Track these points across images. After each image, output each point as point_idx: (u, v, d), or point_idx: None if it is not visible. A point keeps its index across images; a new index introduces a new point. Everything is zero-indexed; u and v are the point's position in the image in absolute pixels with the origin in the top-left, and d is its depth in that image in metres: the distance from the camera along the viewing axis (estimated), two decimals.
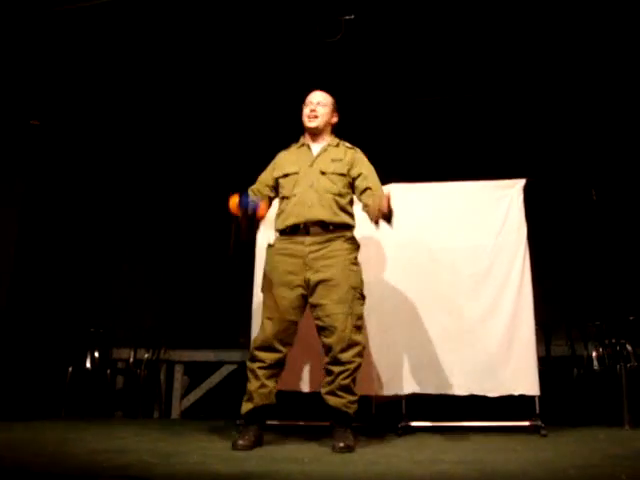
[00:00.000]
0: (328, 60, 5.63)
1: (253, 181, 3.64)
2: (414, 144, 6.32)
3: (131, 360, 5.75)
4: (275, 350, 3.28)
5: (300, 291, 3.30)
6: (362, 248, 3.63)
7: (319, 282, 3.25)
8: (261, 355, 3.29)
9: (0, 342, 4.92)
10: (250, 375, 3.32)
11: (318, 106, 3.46)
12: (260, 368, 3.28)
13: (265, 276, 3.44)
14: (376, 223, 3.21)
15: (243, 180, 3.76)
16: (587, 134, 6.11)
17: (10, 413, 4.72)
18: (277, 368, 3.31)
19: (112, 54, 5.65)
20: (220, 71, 6.06)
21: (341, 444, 3.10)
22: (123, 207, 6.66)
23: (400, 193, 4.37)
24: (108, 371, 5.66)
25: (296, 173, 3.41)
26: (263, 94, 5.94)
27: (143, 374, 5.63)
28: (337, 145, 3.50)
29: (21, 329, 5.27)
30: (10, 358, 5.02)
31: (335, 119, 3.56)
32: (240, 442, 3.16)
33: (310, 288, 3.28)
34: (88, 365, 5.67)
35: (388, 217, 3.12)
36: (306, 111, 3.49)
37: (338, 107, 3.60)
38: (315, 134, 3.51)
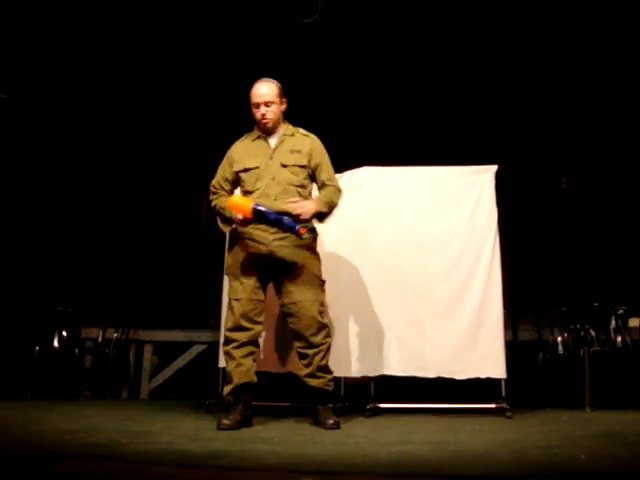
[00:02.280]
0: (304, 41, 5.60)
1: (214, 160, 3.63)
2: (388, 128, 6.32)
3: (100, 339, 5.69)
4: (246, 329, 3.33)
5: (263, 276, 3.39)
6: (333, 231, 3.66)
7: (284, 270, 3.34)
8: (234, 335, 3.34)
9: None
10: (226, 358, 3.38)
11: (267, 108, 3.40)
12: (235, 348, 3.33)
13: (230, 259, 3.49)
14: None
15: (210, 158, 3.73)
16: (558, 121, 6.18)
17: None
18: (251, 345, 3.36)
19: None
20: (195, 49, 5.99)
21: (331, 421, 3.25)
22: (93, 184, 6.55)
23: (373, 176, 4.41)
24: (76, 350, 5.60)
25: (257, 167, 3.41)
26: (235, 75, 5.89)
27: (112, 353, 5.58)
28: (292, 134, 3.49)
29: None
30: None
31: (284, 106, 3.50)
32: (225, 421, 3.17)
33: (275, 275, 3.38)
34: (56, 344, 5.60)
35: (319, 217, 3.38)
36: (257, 115, 3.43)
37: (285, 91, 3.50)
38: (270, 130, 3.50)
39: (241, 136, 3.60)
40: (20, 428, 3.11)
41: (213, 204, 3.52)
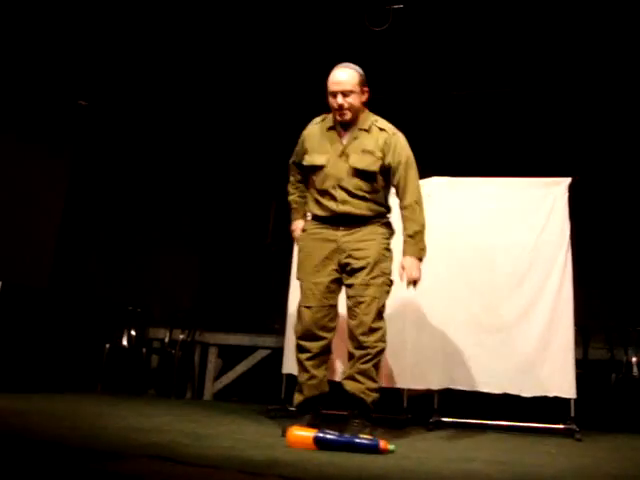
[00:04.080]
0: (374, 49, 5.58)
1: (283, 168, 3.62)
2: (460, 138, 6.23)
3: (166, 340, 5.84)
4: (319, 338, 3.19)
5: (335, 275, 3.22)
6: (401, 243, 3.61)
7: (352, 265, 3.17)
8: (306, 345, 3.20)
9: (42, 318, 5.04)
10: (299, 367, 3.26)
11: (345, 98, 3.11)
12: (307, 359, 3.19)
13: (300, 263, 3.36)
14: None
15: (278, 166, 3.73)
16: (637, 131, 5.94)
17: (49, 385, 4.86)
18: (324, 355, 3.23)
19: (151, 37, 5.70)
20: (269, 57, 6.07)
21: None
22: (165, 188, 6.73)
23: (442, 186, 4.35)
24: (144, 350, 5.76)
25: (324, 166, 3.20)
26: (308, 82, 5.93)
27: (178, 354, 5.71)
28: (369, 129, 3.20)
29: (62, 306, 5.39)
30: (51, 333, 5.15)
31: (365, 96, 3.20)
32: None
33: (344, 271, 3.22)
34: (125, 343, 5.78)
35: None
36: (333, 104, 3.15)
37: (368, 80, 3.22)
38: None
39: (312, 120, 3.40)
40: (87, 423, 3.21)
41: (287, 194, 3.52)
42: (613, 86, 5.87)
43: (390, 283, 3.22)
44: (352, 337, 3.15)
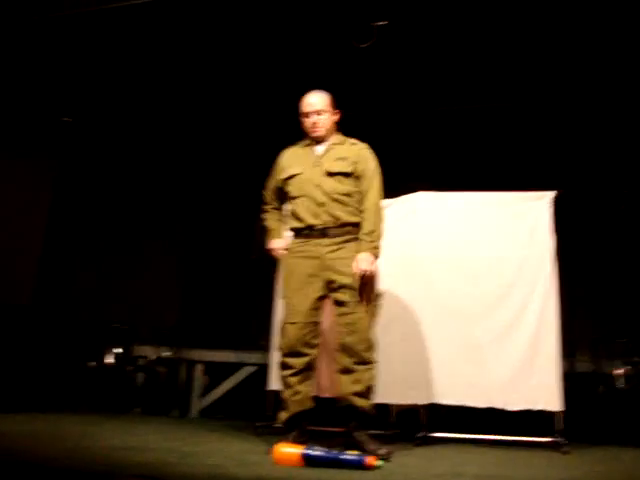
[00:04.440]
0: (360, 66, 5.62)
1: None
2: (442, 153, 6.27)
3: (152, 357, 5.78)
4: (302, 354, 3.23)
5: (320, 293, 3.26)
6: (385, 255, 3.61)
7: (339, 282, 3.22)
8: (290, 361, 3.24)
9: (24, 336, 4.98)
10: (282, 384, 3.30)
11: (318, 116, 3.36)
12: (291, 375, 3.24)
13: (284, 281, 3.39)
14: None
15: (262, 179, 3.72)
16: (619, 145, 6.01)
17: (32, 405, 4.78)
18: (307, 371, 3.26)
19: (135, 52, 5.69)
20: (250, 71, 6.08)
21: (383, 450, 3.07)
22: (149, 205, 6.70)
23: (426, 201, 4.37)
24: (129, 368, 5.70)
25: (300, 174, 3.35)
26: (290, 97, 5.96)
27: (163, 372, 5.66)
28: (342, 143, 3.41)
29: (45, 324, 5.33)
30: (33, 351, 5.08)
31: (336, 116, 3.43)
32: None
33: (331, 289, 3.25)
34: (110, 361, 5.72)
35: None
36: (307, 124, 3.38)
37: (337, 104, 3.44)
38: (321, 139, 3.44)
39: (292, 144, 3.55)
40: (73, 443, 3.16)
41: (263, 221, 3.53)
42: (597, 98, 5.95)
43: (377, 297, 3.31)
44: (352, 354, 3.18)
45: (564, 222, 4.29)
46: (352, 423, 3.23)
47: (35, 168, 5.63)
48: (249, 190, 6.28)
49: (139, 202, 6.63)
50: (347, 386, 3.18)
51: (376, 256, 3.24)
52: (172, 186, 6.83)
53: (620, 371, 4.76)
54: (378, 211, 3.31)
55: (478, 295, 4.13)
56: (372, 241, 3.25)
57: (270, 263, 4.35)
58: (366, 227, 3.27)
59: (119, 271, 6.39)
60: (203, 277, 6.70)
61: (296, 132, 3.54)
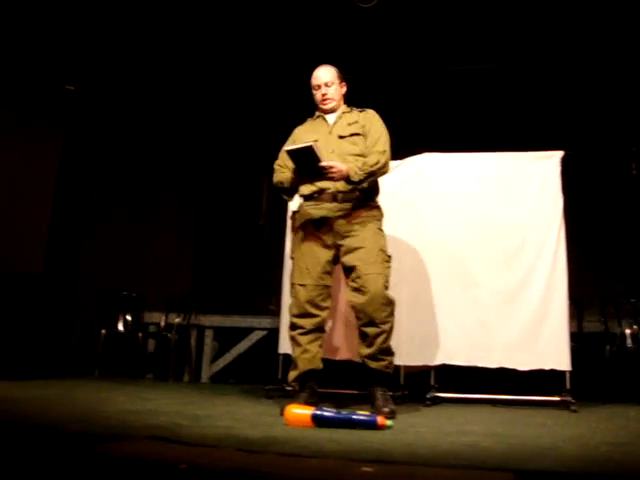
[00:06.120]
0: (364, 26, 5.53)
1: (275, 148, 3.60)
2: (449, 114, 6.20)
3: (162, 324, 5.84)
4: (312, 315, 3.27)
5: (330, 256, 3.30)
6: (394, 219, 3.59)
7: (350, 247, 3.25)
8: (300, 322, 3.28)
9: (37, 304, 5.03)
10: (292, 343, 3.34)
11: (327, 88, 3.46)
12: (301, 334, 3.27)
13: (294, 243, 3.44)
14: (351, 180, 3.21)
15: (271, 146, 3.71)
16: (628, 105, 5.92)
17: (45, 372, 4.86)
18: (318, 332, 3.30)
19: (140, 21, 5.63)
20: (256, 36, 6.00)
21: (387, 409, 3.09)
22: (157, 172, 6.70)
23: (434, 162, 4.34)
24: (140, 334, 5.76)
25: (316, 141, 3.29)
26: (296, 61, 5.89)
27: (174, 338, 5.72)
28: (350, 111, 3.52)
29: (57, 292, 5.38)
30: (46, 319, 5.14)
31: (344, 89, 3.55)
32: None
33: (341, 252, 3.29)
34: (121, 328, 5.78)
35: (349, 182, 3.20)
36: (317, 96, 3.49)
37: (344, 77, 3.54)
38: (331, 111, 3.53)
39: (304, 121, 3.61)
40: (87, 407, 3.21)
41: (275, 180, 3.48)
42: (606, 58, 5.85)
43: (389, 259, 3.32)
44: (363, 315, 3.21)
45: (572, 182, 4.25)
46: (370, 383, 3.28)
47: (42, 137, 5.61)
48: (256, 157, 6.28)
49: (148, 169, 6.63)
50: (362, 348, 3.26)
51: (350, 178, 3.18)
52: (180, 154, 6.81)
53: (628, 331, 4.78)
54: (375, 165, 3.25)
55: (487, 256, 4.12)
56: (360, 169, 3.20)
57: (278, 228, 4.36)
58: (362, 161, 3.26)
59: (128, 239, 6.42)
60: (212, 243, 6.73)
61: (305, 101, 3.59)
